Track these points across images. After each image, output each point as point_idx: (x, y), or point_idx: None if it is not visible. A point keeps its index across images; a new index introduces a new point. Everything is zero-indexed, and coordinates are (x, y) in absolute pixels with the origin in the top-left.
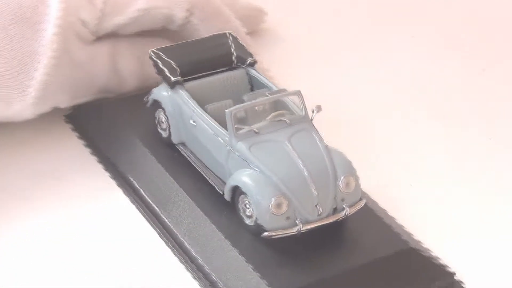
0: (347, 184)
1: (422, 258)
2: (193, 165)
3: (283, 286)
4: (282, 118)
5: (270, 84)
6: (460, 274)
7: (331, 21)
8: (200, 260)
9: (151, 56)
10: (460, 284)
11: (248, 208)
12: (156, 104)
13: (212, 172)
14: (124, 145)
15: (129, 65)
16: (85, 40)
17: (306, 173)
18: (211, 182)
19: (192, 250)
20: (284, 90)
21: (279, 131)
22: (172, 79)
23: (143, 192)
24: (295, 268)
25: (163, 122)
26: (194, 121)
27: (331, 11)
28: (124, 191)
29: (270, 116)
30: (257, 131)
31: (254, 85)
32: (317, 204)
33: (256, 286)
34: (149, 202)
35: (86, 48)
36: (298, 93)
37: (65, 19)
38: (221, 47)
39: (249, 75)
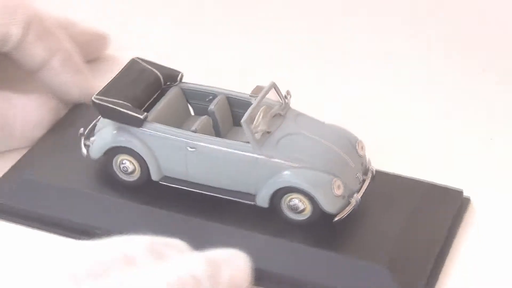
0: (362, 148)
1: (434, 188)
2: (185, 192)
3: None
4: (278, 112)
5: (211, 90)
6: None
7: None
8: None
9: (97, 102)
10: (467, 198)
11: (299, 204)
12: (114, 151)
13: (229, 190)
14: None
15: None
16: None
17: (336, 149)
18: (233, 199)
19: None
20: (261, 87)
21: (284, 123)
22: (141, 116)
23: None
24: None
25: (128, 166)
26: (192, 147)
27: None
28: None
29: (269, 114)
30: (269, 131)
31: (189, 98)
32: (357, 173)
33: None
34: None
35: None
36: (274, 85)
37: None
38: (145, 74)
39: (182, 90)
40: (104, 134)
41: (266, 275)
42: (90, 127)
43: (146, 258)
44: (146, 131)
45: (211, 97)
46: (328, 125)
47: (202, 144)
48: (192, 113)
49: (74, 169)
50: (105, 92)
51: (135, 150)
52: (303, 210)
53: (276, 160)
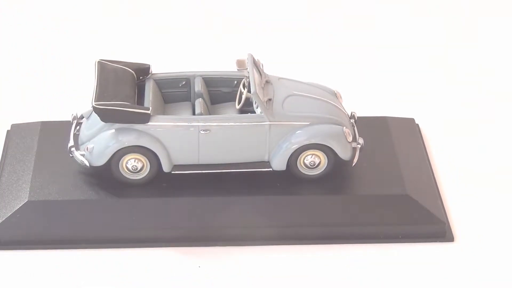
0: (341, 97)
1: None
2: (192, 176)
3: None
4: (266, 80)
5: (183, 75)
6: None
7: None
8: None
9: (100, 108)
10: (452, 233)
11: (315, 159)
12: (120, 153)
13: (242, 162)
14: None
15: None
16: None
17: (330, 101)
18: (249, 170)
19: None
20: (241, 60)
21: (276, 89)
22: (148, 111)
23: None
24: None
25: (137, 165)
26: (205, 130)
27: None
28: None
29: (263, 83)
30: (270, 98)
31: (161, 88)
32: (350, 119)
33: None
34: None
35: None
36: (252, 56)
37: None
38: (119, 73)
39: (155, 81)
40: (106, 139)
41: (297, 231)
42: (72, 138)
43: None
44: (154, 124)
45: (183, 82)
46: (308, 82)
47: (215, 124)
48: (163, 102)
49: (67, 182)
50: (99, 97)
51: (145, 146)
52: (318, 164)
53: (288, 122)
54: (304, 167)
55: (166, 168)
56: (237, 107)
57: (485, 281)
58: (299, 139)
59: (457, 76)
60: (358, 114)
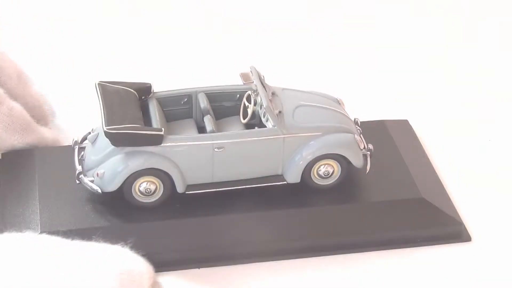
0: (343, 104)
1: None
2: (202, 196)
3: None
4: (272, 92)
5: (184, 92)
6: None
7: None
8: None
9: (113, 132)
10: (468, 232)
11: (329, 169)
12: (133, 177)
13: (256, 178)
14: None
15: None
16: None
17: (336, 109)
18: (263, 185)
19: None
20: (246, 73)
21: (283, 101)
22: (161, 132)
23: None
24: None
25: (150, 187)
26: (219, 147)
27: None
28: None
29: (270, 96)
30: (280, 110)
31: (163, 106)
32: (356, 126)
33: None
34: None
35: None
36: (252, 68)
37: None
38: (122, 94)
39: (157, 100)
40: (118, 163)
41: (316, 243)
42: (78, 164)
43: None
44: (167, 145)
45: (185, 99)
46: (311, 91)
47: (230, 141)
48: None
49: (76, 211)
50: (109, 121)
51: (158, 168)
52: (332, 173)
53: (301, 134)
54: (318, 177)
55: (180, 188)
56: (243, 121)
57: (505, 277)
58: (312, 150)
59: (452, 77)
60: (356, 116)
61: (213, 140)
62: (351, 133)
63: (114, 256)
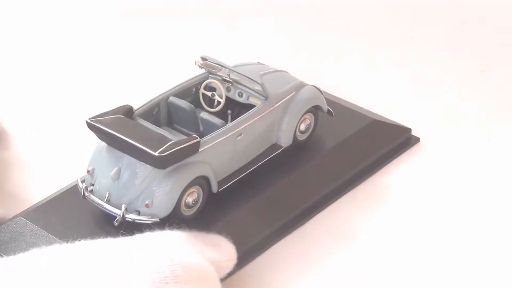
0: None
1: (383, 125)
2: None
3: None
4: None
5: (155, 101)
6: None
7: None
8: None
9: (166, 155)
10: (416, 137)
11: (310, 121)
12: (182, 192)
13: (261, 153)
14: None
15: None
16: None
17: (281, 70)
18: (268, 158)
19: None
20: (204, 58)
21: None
22: (198, 139)
23: None
24: None
25: (195, 198)
26: (240, 134)
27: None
28: None
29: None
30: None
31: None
32: None
33: None
34: None
35: None
36: (206, 56)
37: None
38: (120, 122)
39: (140, 116)
40: (164, 186)
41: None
42: (112, 208)
43: None
44: (201, 150)
45: (156, 109)
46: (246, 63)
47: (245, 125)
48: None
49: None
50: (152, 146)
51: (201, 175)
52: (309, 126)
53: (284, 99)
54: (300, 133)
55: (215, 188)
56: (213, 110)
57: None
58: (296, 109)
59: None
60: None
61: (233, 130)
62: (307, 84)
63: None
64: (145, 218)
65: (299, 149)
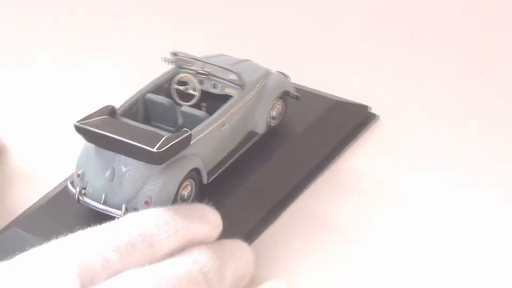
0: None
1: (343, 104)
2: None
3: None
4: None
5: (133, 99)
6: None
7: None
8: None
9: (163, 150)
10: (374, 114)
11: (280, 107)
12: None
13: (241, 142)
14: None
15: None
16: None
17: (244, 59)
18: (249, 145)
19: None
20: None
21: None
22: (190, 132)
23: None
24: None
25: (189, 190)
26: (222, 125)
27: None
28: None
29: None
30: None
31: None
32: None
33: None
34: None
35: None
36: (176, 52)
37: None
38: (108, 121)
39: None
40: (161, 182)
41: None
42: (110, 208)
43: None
44: (192, 142)
45: (135, 108)
46: (211, 55)
47: (228, 116)
48: None
49: None
50: (149, 143)
51: (194, 167)
52: (280, 112)
53: (256, 88)
54: (272, 120)
55: (205, 179)
56: (189, 103)
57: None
58: (269, 97)
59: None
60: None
61: (218, 121)
62: (273, 71)
63: None
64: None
65: (271, 135)
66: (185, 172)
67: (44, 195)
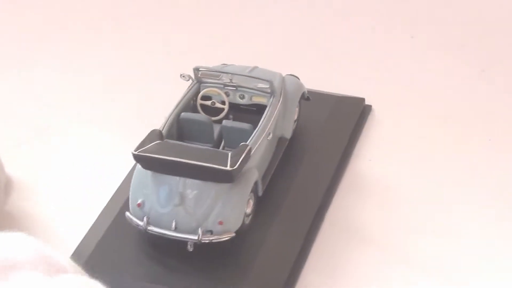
0: None
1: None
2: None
3: None
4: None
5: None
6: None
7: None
8: None
9: (237, 167)
10: (369, 105)
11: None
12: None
13: (276, 147)
14: None
15: None
16: None
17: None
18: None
19: None
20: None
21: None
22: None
23: None
24: None
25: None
26: (269, 134)
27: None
28: None
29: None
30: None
31: None
32: None
33: None
34: None
35: None
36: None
37: None
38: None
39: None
40: (234, 199)
41: None
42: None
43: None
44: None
45: (172, 128)
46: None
47: (271, 123)
48: None
49: None
50: (221, 163)
51: (256, 181)
52: (298, 113)
53: (283, 92)
54: (294, 123)
55: (260, 191)
56: (218, 118)
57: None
58: (293, 101)
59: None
60: None
61: (265, 130)
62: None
63: None
64: (222, 236)
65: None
66: (250, 186)
67: (89, 231)
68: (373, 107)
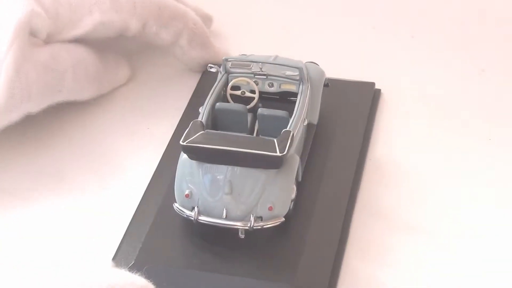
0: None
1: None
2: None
3: None
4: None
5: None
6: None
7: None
8: None
9: (285, 154)
10: (378, 89)
11: None
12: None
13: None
14: None
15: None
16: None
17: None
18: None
19: None
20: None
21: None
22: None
23: None
24: None
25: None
26: (304, 120)
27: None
28: None
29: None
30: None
31: None
32: None
33: None
34: None
35: (46, 48)
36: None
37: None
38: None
39: None
40: (281, 184)
41: None
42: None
43: None
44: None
45: (209, 119)
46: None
47: (305, 109)
48: None
49: None
50: (266, 148)
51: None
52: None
53: (308, 77)
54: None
55: (300, 177)
56: (249, 107)
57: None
58: (318, 86)
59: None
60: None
61: (301, 116)
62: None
63: None
64: (272, 222)
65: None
66: (295, 170)
67: (131, 223)
68: (382, 91)
